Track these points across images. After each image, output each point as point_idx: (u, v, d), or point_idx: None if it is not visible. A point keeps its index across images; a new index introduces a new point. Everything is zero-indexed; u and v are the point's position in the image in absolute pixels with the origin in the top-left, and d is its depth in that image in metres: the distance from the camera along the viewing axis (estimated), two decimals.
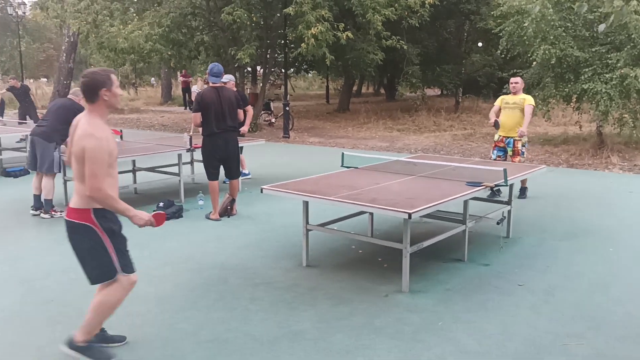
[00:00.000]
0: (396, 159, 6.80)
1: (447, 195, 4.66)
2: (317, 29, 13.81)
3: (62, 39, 25.71)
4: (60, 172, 7.05)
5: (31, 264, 5.24)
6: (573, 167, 10.68)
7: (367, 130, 17.27)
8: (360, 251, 5.59)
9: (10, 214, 7.16)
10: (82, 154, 3.09)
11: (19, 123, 13.07)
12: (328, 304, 4.27)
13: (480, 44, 21.88)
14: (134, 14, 17.37)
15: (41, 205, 6.94)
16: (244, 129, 7.78)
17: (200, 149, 7.01)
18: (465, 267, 5.10)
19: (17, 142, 12.12)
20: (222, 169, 6.89)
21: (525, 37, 11.43)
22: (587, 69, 10.85)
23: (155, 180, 8.50)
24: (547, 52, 10.73)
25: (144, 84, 41.84)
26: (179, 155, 7.84)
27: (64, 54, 23.75)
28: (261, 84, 18.66)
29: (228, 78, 7.89)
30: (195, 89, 22.39)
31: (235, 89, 7.75)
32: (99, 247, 3.22)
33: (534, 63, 11.86)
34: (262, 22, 16.82)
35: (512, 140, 7.60)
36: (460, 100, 22.76)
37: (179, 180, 7.81)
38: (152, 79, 42.77)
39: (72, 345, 3.35)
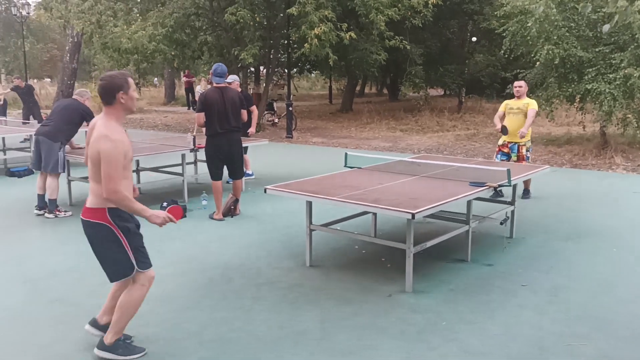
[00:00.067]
0: (399, 159, 6.79)
1: (451, 196, 4.66)
2: (320, 29, 13.82)
3: (66, 39, 25.81)
4: (64, 172, 7.08)
5: (35, 263, 5.26)
6: (576, 167, 10.65)
7: (370, 130, 17.26)
8: (363, 251, 5.59)
9: (15, 213, 7.18)
10: (98, 156, 3.15)
11: (23, 123, 13.12)
12: (331, 304, 4.27)
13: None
14: (138, 15, 17.42)
15: (45, 204, 6.96)
16: (252, 130, 7.79)
17: (203, 149, 7.03)
18: (469, 267, 5.10)
19: (21, 142, 12.14)
20: (225, 169, 6.91)
21: (528, 37, 11.41)
22: (590, 69, 10.83)
23: (159, 180, 8.51)
24: (550, 52, 10.70)
25: (147, 84, 41.87)
26: (183, 156, 7.86)
27: (68, 54, 23.85)
28: (264, 84, 18.68)
29: (233, 78, 7.90)
30: (199, 89, 22.45)
31: (239, 90, 7.76)
32: (115, 245, 3.29)
33: (538, 63, 11.83)
34: (265, 22, 16.86)
35: (516, 145, 7.59)
36: (463, 100, 22.75)
37: (183, 180, 7.82)
38: (155, 79, 42.79)
39: (103, 347, 3.44)
